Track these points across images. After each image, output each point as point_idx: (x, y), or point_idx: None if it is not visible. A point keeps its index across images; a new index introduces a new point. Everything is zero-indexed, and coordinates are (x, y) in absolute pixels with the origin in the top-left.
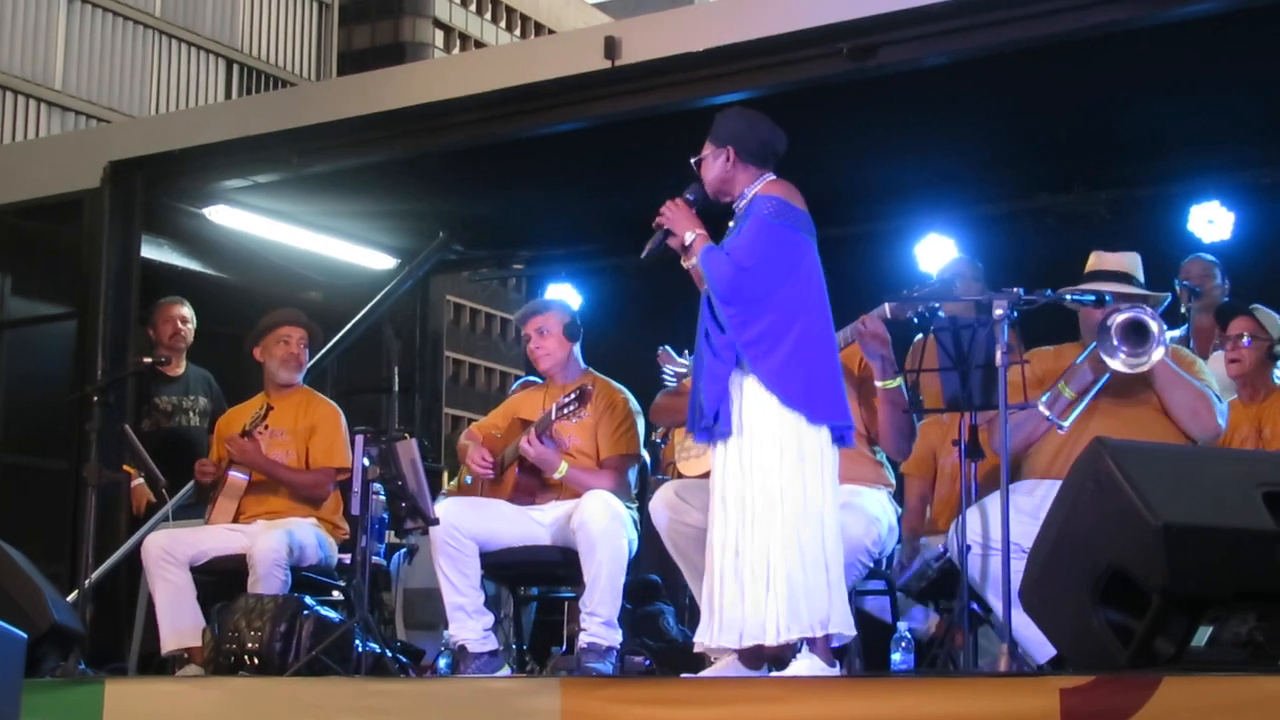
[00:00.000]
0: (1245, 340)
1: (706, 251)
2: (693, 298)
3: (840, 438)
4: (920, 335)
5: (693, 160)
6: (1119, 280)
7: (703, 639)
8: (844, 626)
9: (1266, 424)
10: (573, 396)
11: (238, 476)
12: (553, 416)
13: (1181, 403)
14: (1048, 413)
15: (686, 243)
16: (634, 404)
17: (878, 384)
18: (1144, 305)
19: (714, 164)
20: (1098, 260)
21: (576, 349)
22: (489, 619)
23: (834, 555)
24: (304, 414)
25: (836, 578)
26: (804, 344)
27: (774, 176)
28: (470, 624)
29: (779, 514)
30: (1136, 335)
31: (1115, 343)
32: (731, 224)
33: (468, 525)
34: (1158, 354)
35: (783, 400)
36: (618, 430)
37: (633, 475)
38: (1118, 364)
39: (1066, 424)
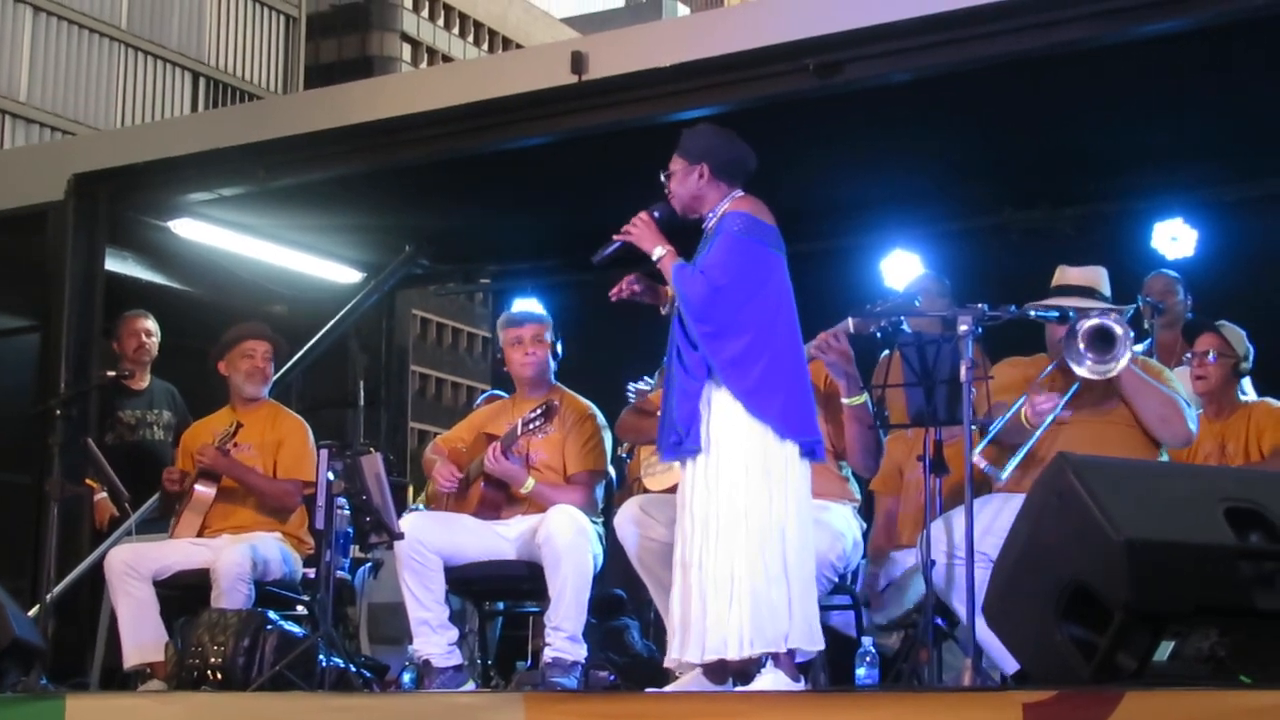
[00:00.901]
0: (1211, 357)
1: (678, 269)
2: (658, 313)
3: (810, 452)
4: (886, 352)
5: (662, 175)
6: (1083, 295)
7: (670, 653)
8: (809, 642)
9: (1230, 441)
10: (539, 412)
11: (204, 491)
12: (518, 432)
13: (1151, 410)
14: (984, 464)
15: (655, 258)
16: (601, 419)
17: (844, 401)
18: (1110, 313)
19: (686, 180)
20: (1062, 275)
21: (553, 365)
22: (454, 634)
23: (798, 570)
24: (271, 428)
25: (801, 592)
26: (777, 360)
27: (742, 193)
28: (435, 639)
29: (743, 528)
30: (1103, 342)
31: (1082, 349)
32: (701, 242)
33: (432, 540)
34: (1124, 360)
35: (755, 415)
36: (585, 445)
37: (599, 490)
38: (1084, 371)
39: (1004, 475)
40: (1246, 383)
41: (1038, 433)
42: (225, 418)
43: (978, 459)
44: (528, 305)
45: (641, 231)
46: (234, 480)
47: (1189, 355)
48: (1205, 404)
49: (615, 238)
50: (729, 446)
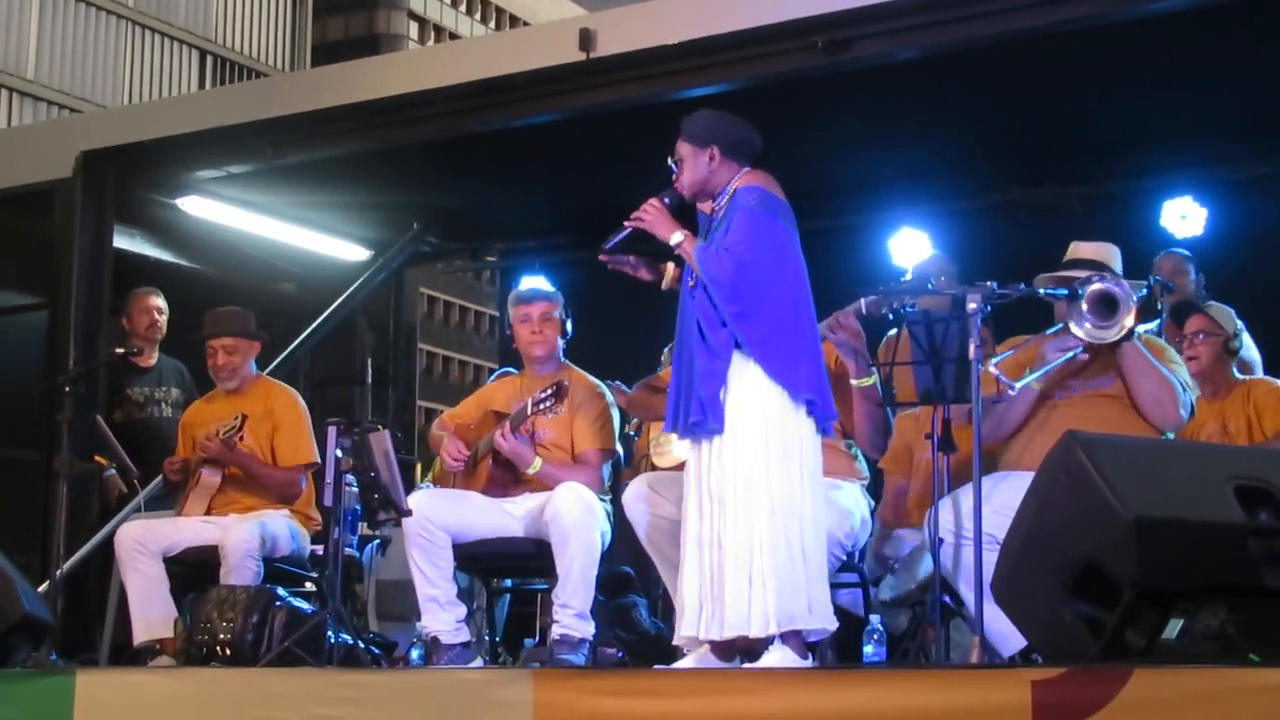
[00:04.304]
0: (1201, 337)
1: (700, 250)
2: (664, 292)
3: (823, 430)
4: (894, 330)
5: (670, 161)
6: (1094, 269)
7: (684, 631)
8: (827, 621)
9: (1230, 420)
10: (549, 391)
11: (210, 476)
12: (528, 411)
13: (1146, 390)
14: (996, 371)
15: (673, 244)
16: (610, 397)
17: (854, 383)
18: (1122, 281)
19: (696, 164)
20: (1074, 250)
21: (561, 343)
22: (461, 610)
23: (814, 548)
24: (262, 404)
25: (816, 571)
26: (802, 336)
27: (750, 168)
28: (443, 615)
29: (764, 506)
30: (1105, 307)
31: (1084, 310)
32: (716, 222)
33: (440, 517)
34: (1123, 328)
35: (791, 392)
36: (594, 424)
37: (607, 469)
38: (1082, 333)
39: (1017, 386)
40: (1258, 362)
41: (1055, 363)
42: (221, 402)
43: (991, 368)
44: (537, 283)
45: (655, 218)
46: (238, 468)
47: (1179, 338)
48: (1201, 384)
49: (626, 224)
50: (748, 424)
